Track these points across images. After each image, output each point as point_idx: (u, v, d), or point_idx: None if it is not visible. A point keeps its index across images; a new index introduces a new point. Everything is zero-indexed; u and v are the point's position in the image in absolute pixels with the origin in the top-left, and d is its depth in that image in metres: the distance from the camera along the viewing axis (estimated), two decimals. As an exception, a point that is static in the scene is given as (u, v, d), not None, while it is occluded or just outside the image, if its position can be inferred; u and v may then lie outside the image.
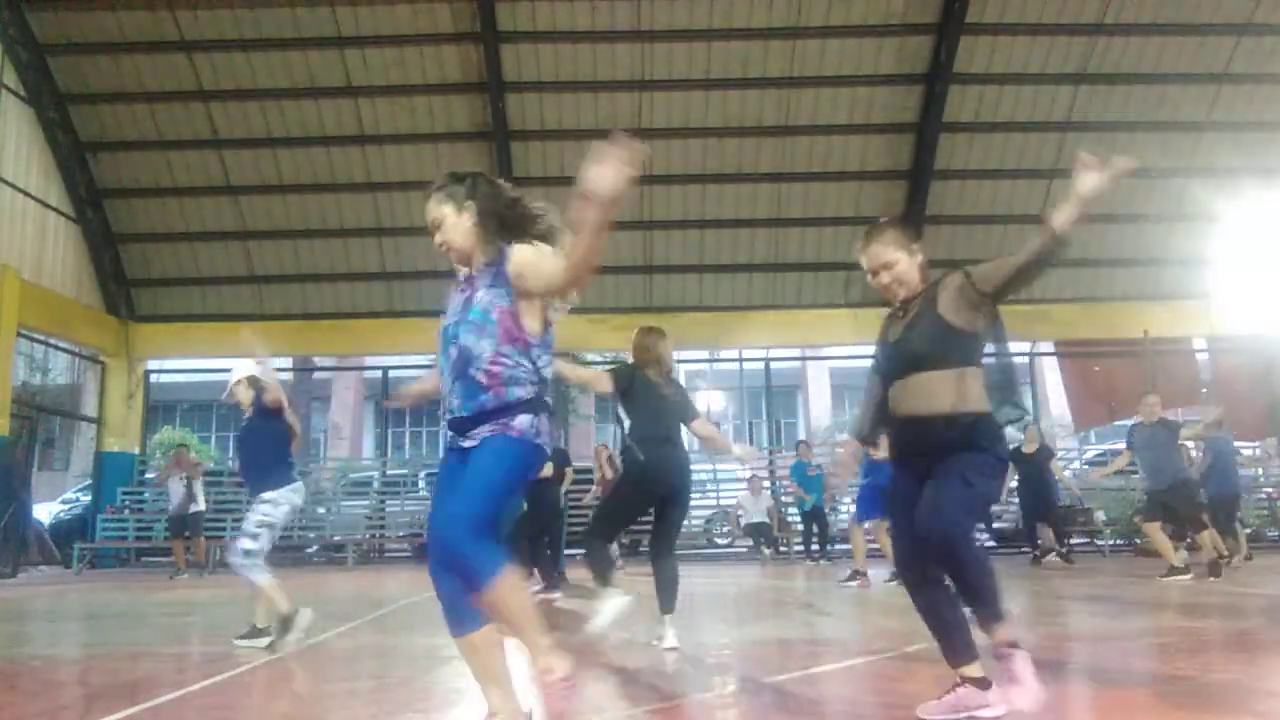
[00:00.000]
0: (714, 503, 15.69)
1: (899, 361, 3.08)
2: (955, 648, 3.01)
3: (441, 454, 2.79)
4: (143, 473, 16.21)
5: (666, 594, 4.93)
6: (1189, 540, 9.78)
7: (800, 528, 13.39)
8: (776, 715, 3.38)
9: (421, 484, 16.94)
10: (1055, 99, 14.35)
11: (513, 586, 2.55)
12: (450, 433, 2.73)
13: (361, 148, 14.65)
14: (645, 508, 5.07)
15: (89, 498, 16.11)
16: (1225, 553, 9.36)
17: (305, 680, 4.34)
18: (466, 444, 2.68)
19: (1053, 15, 13.59)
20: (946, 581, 3.00)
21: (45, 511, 17.24)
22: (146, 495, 15.57)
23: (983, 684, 2.95)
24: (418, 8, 13.52)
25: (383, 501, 16.27)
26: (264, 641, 5.01)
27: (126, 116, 14.52)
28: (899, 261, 3.22)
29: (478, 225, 2.76)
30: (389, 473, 17.64)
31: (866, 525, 9.02)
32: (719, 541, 15.16)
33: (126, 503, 15.38)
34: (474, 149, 14.73)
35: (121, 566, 14.66)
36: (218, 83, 14.16)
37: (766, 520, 13.53)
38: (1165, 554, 8.65)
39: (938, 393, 2.96)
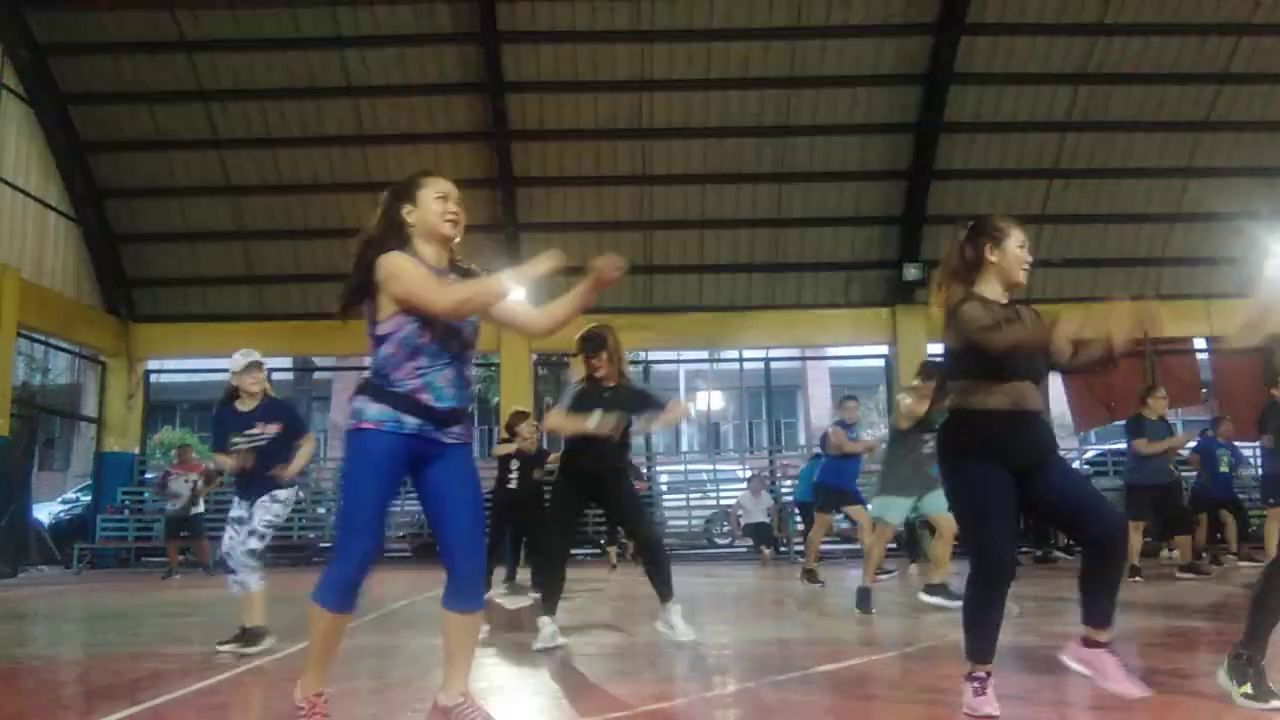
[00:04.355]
0: (714, 503, 15.68)
1: (1043, 365, 3.31)
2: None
3: (384, 437, 2.82)
4: (143, 473, 16.21)
5: (656, 580, 4.95)
6: (1169, 542, 9.85)
7: (802, 527, 13.42)
8: (776, 715, 3.38)
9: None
10: (1055, 99, 14.34)
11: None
12: (420, 420, 2.79)
13: (361, 148, 14.64)
14: (577, 501, 5.08)
15: (89, 498, 16.10)
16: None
17: (305, 680, 4.33)
18: (449, 440, 2.84)
19: (1053, 15, 13.58)
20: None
21: (45, 511, 17.23)
22: (146, 495, 15.55)
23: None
24: (418, 8, 13.50)
25: (382, 501, 16.21)
26: (265, 643, 5.00)
27: (126, 116, 14.52)
28: None
29: None
30: (389, 473, 17.60)
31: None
32: (719, 541, 15.15)
33: (126, 503, 15.37)
34: (474, 149, 14.73)
35: (121, 566, 14.65)
36: (218, 83, 14.15)
37: (766, 520, 13.54)
38: (1132, 554, 8.74)
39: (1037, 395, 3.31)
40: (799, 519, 13.74)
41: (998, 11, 13.52)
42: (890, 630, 5.83)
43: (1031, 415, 3.22)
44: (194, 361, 16.99)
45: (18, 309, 12.90)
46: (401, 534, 15.56)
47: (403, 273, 2.77)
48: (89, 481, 16.80)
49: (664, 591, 4.94)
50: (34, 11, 13.47)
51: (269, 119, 14.48)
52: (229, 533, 5.14)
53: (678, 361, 22.33)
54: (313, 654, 2.87)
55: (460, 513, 2.88)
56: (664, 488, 16.83)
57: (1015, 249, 3.31)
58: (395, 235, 2.88)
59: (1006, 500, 3.17)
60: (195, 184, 14.98)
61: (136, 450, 16.06)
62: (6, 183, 13.27)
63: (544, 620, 4.86)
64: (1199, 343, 16.07)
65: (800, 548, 13.37)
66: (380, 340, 2.82)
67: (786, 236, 15.39)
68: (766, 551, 13.32)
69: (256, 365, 5.28)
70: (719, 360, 21.68)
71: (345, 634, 2.94)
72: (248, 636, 5.00)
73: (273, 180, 14.91)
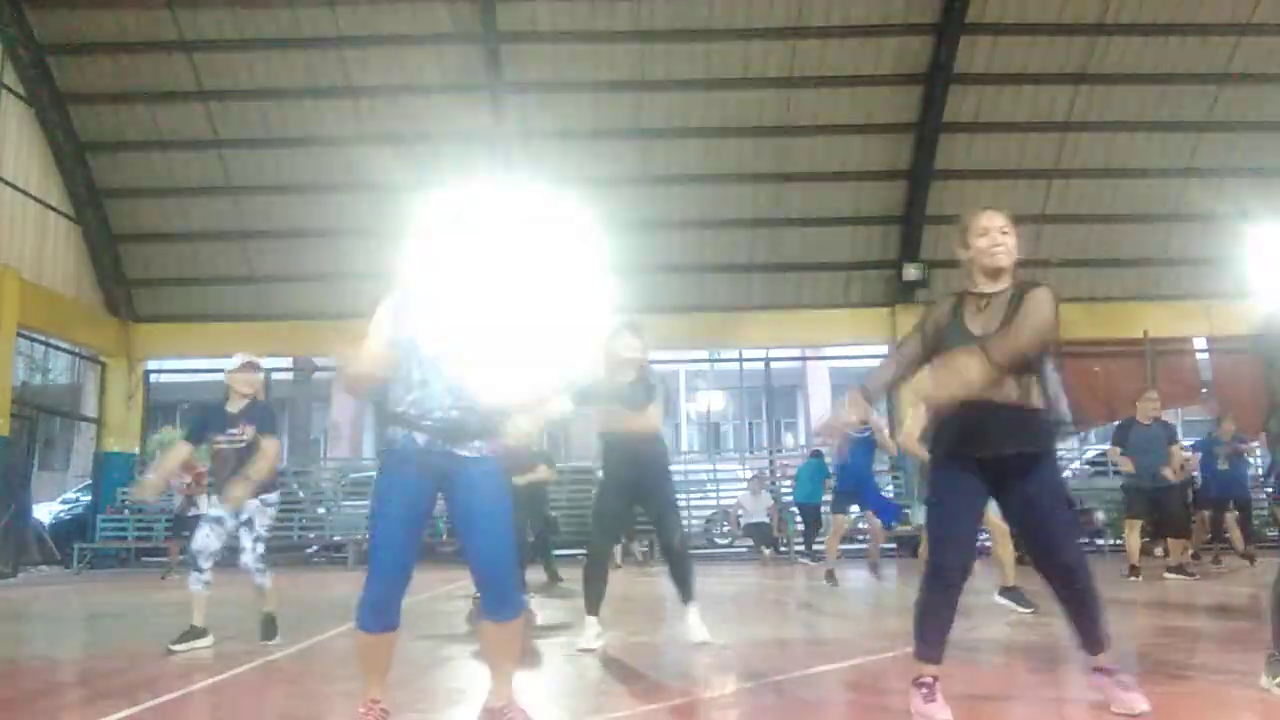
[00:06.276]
0: (714, 503, 15.68)
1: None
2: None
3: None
4: (143, 473, 16.19)
5: (676, 583, 5.04)
6: (1161, 543, 9.87)
7: (802, 526, 13.41)
8: (776, 715, 3.39)
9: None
10: (1055, 99, 14.34)
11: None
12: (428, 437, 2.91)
13: (361, 147, 14.61)
14: (621, 500, 5.12)
15: (89, 498, 16.10)
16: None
17: (305, 680, 4.34)
18: (463, 452, 2.90)
19: (1053, 15, 13.58)
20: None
21: (45, 511, 17.24)
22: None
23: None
24: (418, 8, 13.51)
25: (383, 501, 16.22)
26: (206, 641, 5.09)
27: (126, 116, 14.51)
28: (1012, 237, 3.22)
29: None
30: (389, 473, 17.60)
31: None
32: (719, 541, 15.15)
33: (126, 503, 15.37)
34: (474, 150, 14.72)
35: (121, 566, 14.65)
36: (218, 83, 14.15)
37: (766, 520, 13.54)
38: (1131, 554, 8.77)
39: (1009, 386, 3.02)
40: (798, 519, 13.73)
41: (998, 11, 13.52)
42: (890, 630, 5.83)
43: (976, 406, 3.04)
44: (194, 361, 16.98)
45: (18, 309, 12.90)
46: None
47: None
48: (89, 481, 16.81)
49: (683, 593, 5.04)
50: (34, 11, 13.47)
51: (269, 119, 14.48)
52: (204, 530, 5.18)
53: (678, 362, 22.32)
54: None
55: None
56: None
57: (977, 241, 3.20)
58: None
59: (958, 501, 3.15)
60: (195, 184, 14.97)
61: (136, 450, 16.05)
62: (6, 183, 13.27)
63: (589, 620, 4.95)
64: (1199, 343, 16.07)
65: (800, 547, 13.39)
66: None
67: (786, 236, 15.38)
68: (766, 551, 13.31)
69: (250, 366, 5.30)
70: (719, 360, 21.68)
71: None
72: (265, 624, 5.24)
73: (273, 180, 14.91)
